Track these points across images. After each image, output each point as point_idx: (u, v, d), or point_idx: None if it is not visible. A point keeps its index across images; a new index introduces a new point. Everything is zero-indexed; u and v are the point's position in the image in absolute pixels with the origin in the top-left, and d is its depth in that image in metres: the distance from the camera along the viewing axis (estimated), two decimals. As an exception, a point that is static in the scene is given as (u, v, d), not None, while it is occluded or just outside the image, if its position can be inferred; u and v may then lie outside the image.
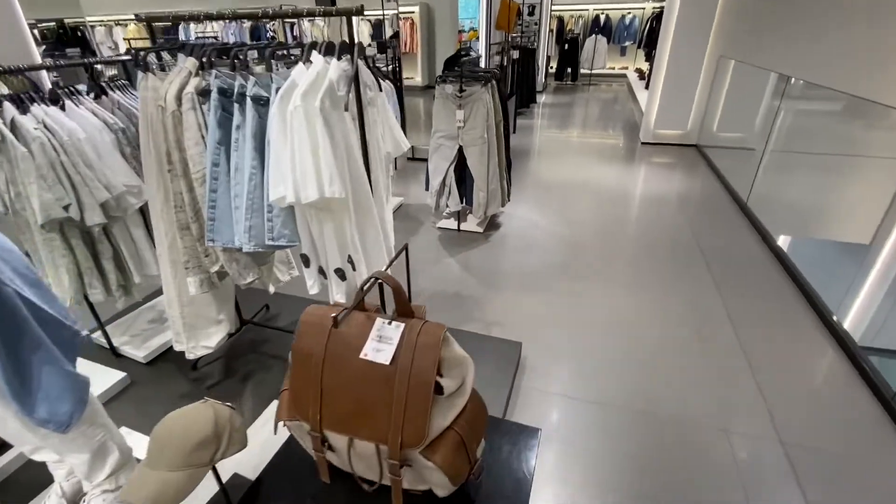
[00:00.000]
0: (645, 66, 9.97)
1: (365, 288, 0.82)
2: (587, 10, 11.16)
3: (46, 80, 2.01)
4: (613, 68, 11.40)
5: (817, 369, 2.09)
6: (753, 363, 2.10)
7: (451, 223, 3.51)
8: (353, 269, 1.45)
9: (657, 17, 8.01)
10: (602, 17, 10.87)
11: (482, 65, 5.56)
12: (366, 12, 1.40)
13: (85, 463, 1.20)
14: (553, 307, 2.54)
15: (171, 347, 2.07)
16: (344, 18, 1.36)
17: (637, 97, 7.88)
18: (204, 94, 1.33)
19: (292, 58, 1.64)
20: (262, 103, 1.29)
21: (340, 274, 1.46)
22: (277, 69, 1.39)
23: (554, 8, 10.76)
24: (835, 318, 2.30)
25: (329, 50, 1.33)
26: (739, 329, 2.33)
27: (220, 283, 1.67)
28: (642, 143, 5.76)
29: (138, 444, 1.54)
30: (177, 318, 1.69)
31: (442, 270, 2.94)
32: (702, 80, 5.16)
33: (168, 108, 1.34)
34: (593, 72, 10.94)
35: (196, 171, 1.39)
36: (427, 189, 3.35)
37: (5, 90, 1.58)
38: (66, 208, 1.54)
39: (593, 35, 10.80)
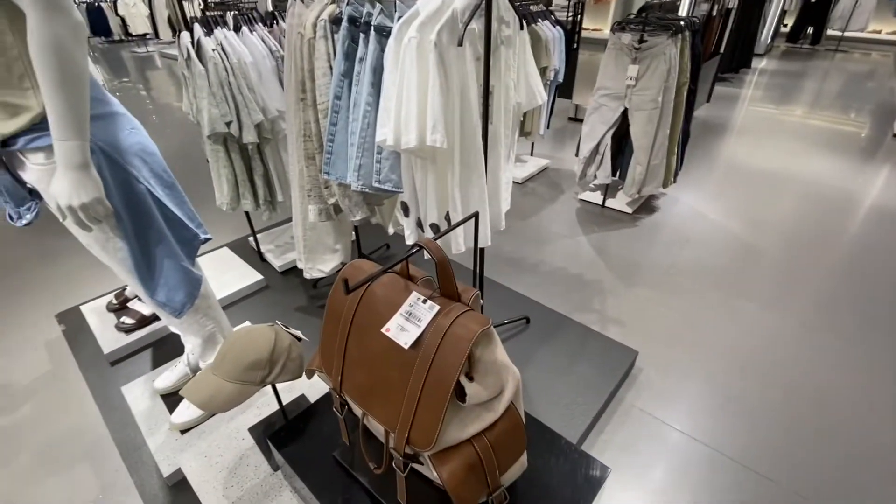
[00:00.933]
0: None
1: (408, 252, 0.70)
2: (863, -53, 8.44)
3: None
4: (879, 32, 8.56)
5: None
6: None
7: (597, 197, 3.13)
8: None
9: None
10: (884, -42, 8.12)
11: (682, 12, 4.61)
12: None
13: (198, 346, 1.40)
14: (694, 321, 2.09)
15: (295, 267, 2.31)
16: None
17: (909, 72, 5.80)
18: (336, 22, 1.31)
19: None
20: (384, 34, 1.21)
21: (435, 229, 1.37)
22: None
23: (811, -55, 8.40)
24: None
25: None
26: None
27: (336, 216, 1.74)
28: (894, 136, 4.26)
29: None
30: (300, 240, 1.84)
31: (571, 247, 2.66)
32: None
33: (306, 35, 1.36)
34: (846, 34, 8.38)
35: (321, 102, 1.42)
36: (577, 155, 3.00)
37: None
38: (227, 124, 1.74)
39: (861, -17, 8.18)
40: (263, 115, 1.79)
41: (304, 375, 1.01)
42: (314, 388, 1.45)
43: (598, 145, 2.82)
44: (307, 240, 1.84)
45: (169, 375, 1.57)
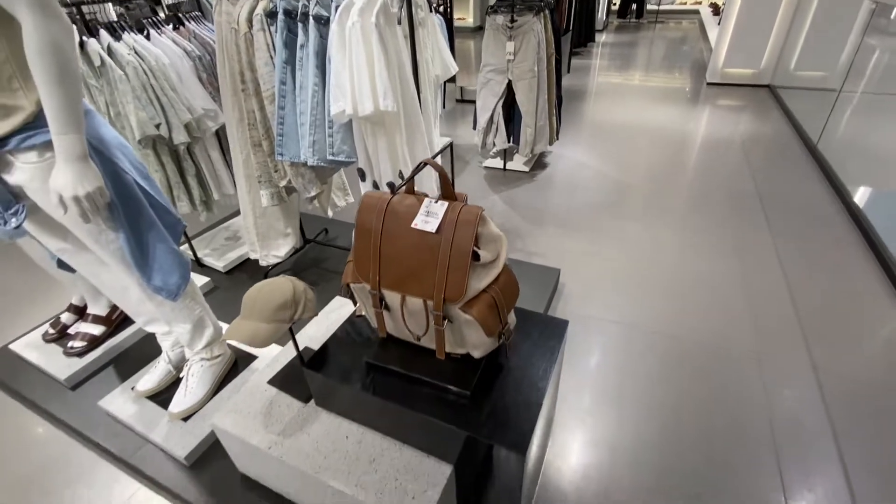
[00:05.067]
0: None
1: (414, 170, 0.95)
2: (659, -64, 10.16)
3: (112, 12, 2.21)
4: (685, 3, 10.44)
5: (877, 318, 2.04)
6: (796, 298, 2.09)
7: (498, 162, 3.55)
8: (404, 183, 1.59)
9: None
10: (675, -56, 9.86)
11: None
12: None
13: (188, 332, 1.47)
14: (596, 243, 2.59)
15: (246, 261, 2.36)
16: (398, -63, 1.41)
17: (708, 35, 7.24)
18: (271, 15, 1.46)
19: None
20: (322, 22, 1.40)
21: (392, 188, 1.60)
22: (336, -9, 1.49)
23: (621, -65, 9.88)
24: (896, 258, 2.20)
25: (384, -31, 1.40)
26: (789, 271, 2.29)
27: (287, 198, 1.87)
28: (708, 84, 5.38)
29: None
30: (251, 228, 1.93)
31: (486, 206, 3.03)
32: (782, 8, 4.67)
33: (240, 29, 1.49)
34: (661, 7, 10.07)
35: (266, 89, 1.55)
36: (475, 128, 3.39)
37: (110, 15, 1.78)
38: (157, 126, 1.76)
39: (664, -35, 9.86)
40: (190, 113, 1.84)
41: (332, 305, 1.19)
42: (312, 341, 1.59)
43: (492, 115, 3.22)
44: (259, 227, 1.93)
45: (150, 377, 1.59)
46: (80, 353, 1.78)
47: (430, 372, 1.08)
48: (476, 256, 0.89)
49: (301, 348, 1.53)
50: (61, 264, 1.45)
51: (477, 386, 1.05)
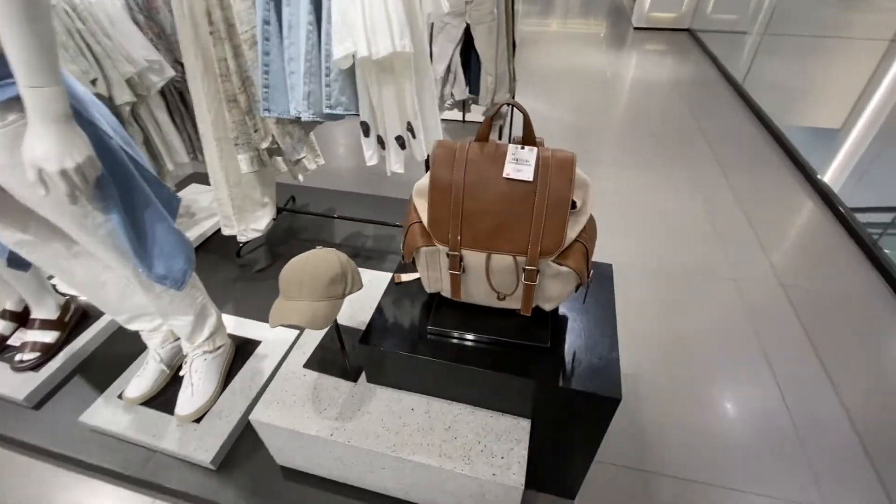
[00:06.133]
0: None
1: (495, 109, 0.85)
2: None
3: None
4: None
5: (812, 229, 2.32)
6: (754, 224, 2.31)
7: (456, 114, 3.43)
8: (413, 137, 1.46)
9: None
10: None
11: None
12: None
13: (189, 324, 1.27)
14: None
15: (212, 237, 2.09)
16: None
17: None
18: (247, -64, 1.21)
19: None
20: (317, -55, 1.18)
21: (401, 142, 1.46)
22: None
23: None
24: (833, 189, 2.50)
25: None
26: (739, 196, 2.51)
27: (269, 161, 1.65)
28: (635, 28, 5.57)
29: (213, 317, 1.62)
30: (225, 201, 1.69)
31: (455, 159, 2.94)
32: (701, -47, 4.89)
33: (207, -45, 1.21)
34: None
35: (244, 31, 1.31)
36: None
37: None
38: (93, 82, 1.43)
39: None
40: (131, 65, 1.51)
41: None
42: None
43: (449, 64, 3.06)
44: (234, 198, 1.69)
45: (141, 381, 1.38)
46: (35, 367, 1.49)
47: (500, 331, 1.03)
48: (572, 204, 0.83)
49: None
50: (13, 260, 1.16)
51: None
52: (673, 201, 2.49)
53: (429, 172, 0.89)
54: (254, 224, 1.79)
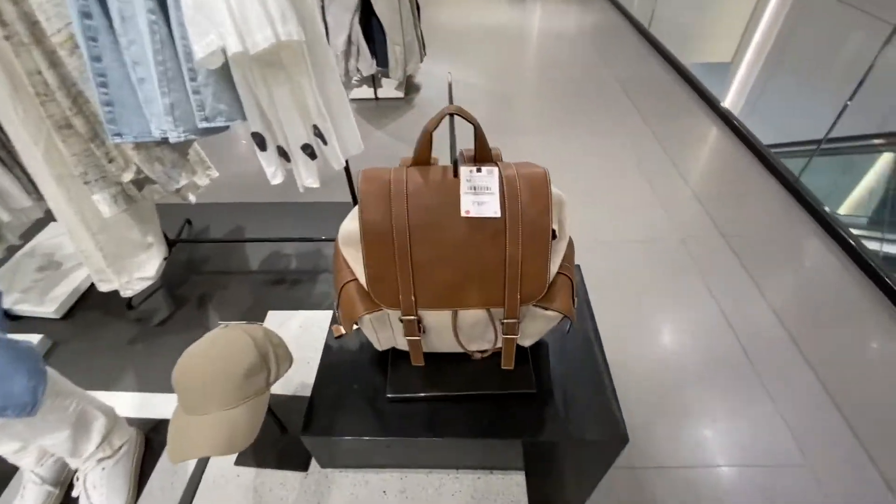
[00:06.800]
0: None
1: (436, 121, 0.61)
2: None
3: None
4: None
5: (734, 168, 2.36)
6: (683, 174, 2.30)
7: (366, 91, 3.10)
8: (325, 143, 1.18)
9: None
10: None
11: None
12: None
13: (67, 440, 0.95)
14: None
15: (87, 292, 1.68)
16: None
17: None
18: None
19: None
20: None
21: (310, 152, 1.18)
22: None
23: None
24: (745, 125, 2.55)
25: None
26: (666, 146, 2.50)
27: (140, 195, 1.29)
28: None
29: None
30: (92, 252, 1.31)
31: (370, 147, 2.64)
32: None
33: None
34: None
35: (56, 29, 0.93)
36: (330, 52, 2.82)
37: None
38: None
39: None
40: None
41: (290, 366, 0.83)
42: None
43: (349, 35, 2.70)
44: (104, 247, 1.32)
45: (20, 513, 1.05)
46: None
47: (475, 382, 0.85)
48: (552, 234, 0.64)
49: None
50: None
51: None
52: (607, 165, 2.42)
53: (355, 212, 0.65)
54: (139, 272, 1.43)
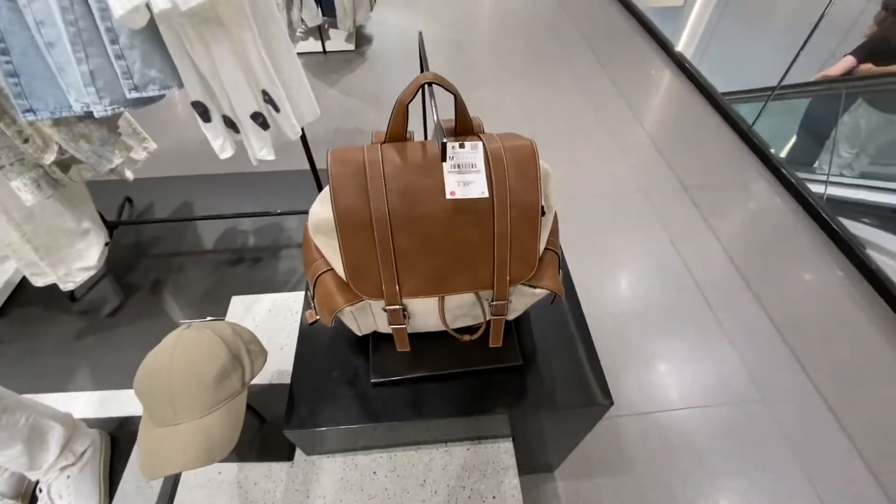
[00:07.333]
0: None
1: (412, 92, 0.55)
2: None
3: None
4: None
5: (690, 117, 2.38)
6: (642, 122, 2.31)
7: (313, 44, 2.86)
8: (277, 111, 1.07)
9: None
10: None
11: None
12: None
13: (21, 454, 0.87)
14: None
15: (19, 286, 1.53)
16: None
17: None
18: None
19: None
20: None
21: (261, 121, 1.07)
22: None
23: None
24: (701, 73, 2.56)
25: None
26: (626, 95, 2.49)
27: (66, 178, 1.14)
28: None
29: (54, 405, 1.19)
30: (19, 244, 1.16)
31: (323, 107, 2.47)
32: None
33: None
34: None
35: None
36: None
37: None
38: None
39: None
40: None
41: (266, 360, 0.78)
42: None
43: (289, -19, 2.44)
44: (32, 238, 1.17)
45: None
46: None
47: (460, 359, 0.83)
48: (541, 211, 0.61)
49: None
50: None
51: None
52: (567, 116, 2.38)
53: (325, 196, 0.59)
54: (79, 262, 1.30)
